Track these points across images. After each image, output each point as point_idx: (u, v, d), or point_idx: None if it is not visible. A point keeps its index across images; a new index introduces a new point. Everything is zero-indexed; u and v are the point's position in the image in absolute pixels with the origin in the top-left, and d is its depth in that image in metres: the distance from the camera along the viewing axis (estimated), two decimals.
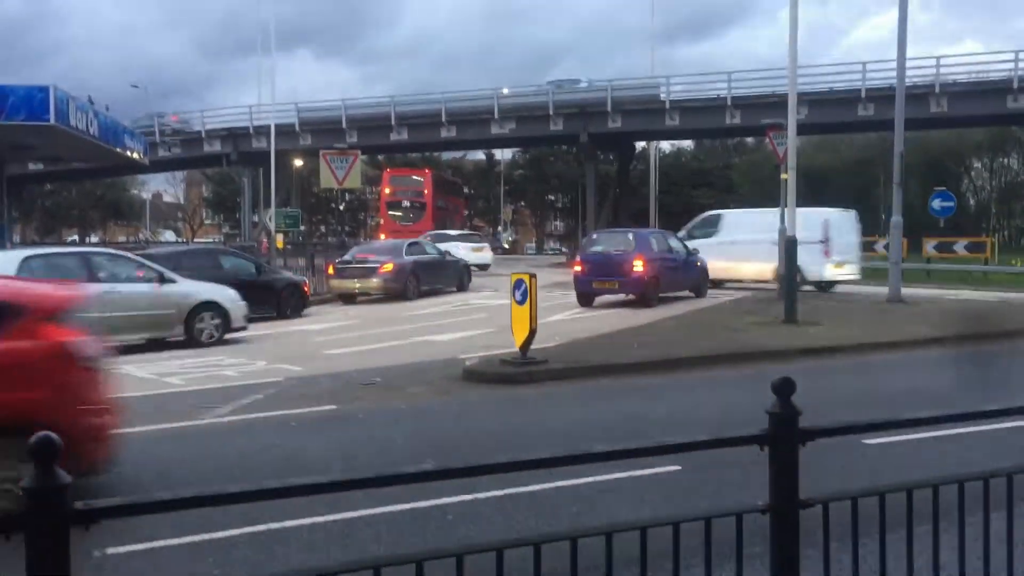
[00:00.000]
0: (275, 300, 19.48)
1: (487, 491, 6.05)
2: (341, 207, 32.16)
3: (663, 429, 8.19)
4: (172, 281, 15.12)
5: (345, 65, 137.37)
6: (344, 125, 49.40)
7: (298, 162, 54.01)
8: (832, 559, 3.15)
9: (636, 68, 71.42)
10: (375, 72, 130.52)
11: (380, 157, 72.60)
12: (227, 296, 15.67)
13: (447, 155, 75.34)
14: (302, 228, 47.59)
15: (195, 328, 15.05)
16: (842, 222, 24.94)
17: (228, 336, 15.43)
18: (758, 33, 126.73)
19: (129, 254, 16.68)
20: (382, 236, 40.06)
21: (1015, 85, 39.70)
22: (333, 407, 9.46)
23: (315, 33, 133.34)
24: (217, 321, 15.32)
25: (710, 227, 26.31)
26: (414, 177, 49.31)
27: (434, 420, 8.86)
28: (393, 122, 49.20)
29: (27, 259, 13.70)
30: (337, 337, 15.82)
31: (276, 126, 43.41)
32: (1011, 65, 40.39)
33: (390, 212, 45.90)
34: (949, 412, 3.84)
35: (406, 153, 68.47)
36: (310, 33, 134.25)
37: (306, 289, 20.88)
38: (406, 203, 44.75)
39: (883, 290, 21.08)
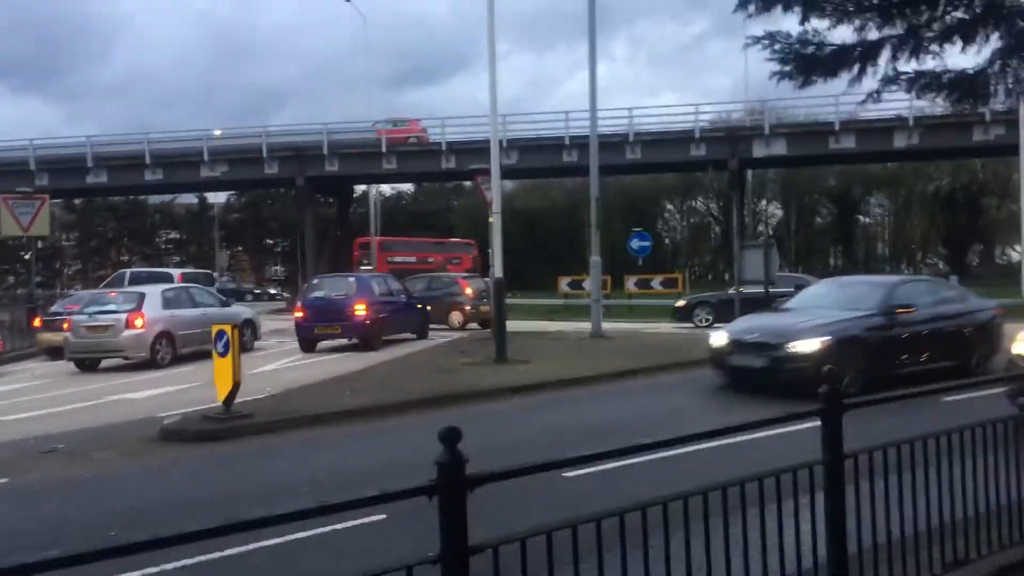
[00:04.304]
0: None
1: (179, 559, 5.63)
2: (27, 256, 29.26)
3: (372, 478, 8.07)
4: (228, 305, 21.87)
5: (47, 102, 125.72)
6: (33, 167, 45.34)
7: None
8: None
9: (361, 113, 71.36)
10: (82, 110, 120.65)
11: (77, 201, 67.30)
12: (254, 314, 22.37)
13: (155, 198, 71.16)
14: None
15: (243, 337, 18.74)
16: None
17: (256, 344, 21.89)
18: (481, 80, 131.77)
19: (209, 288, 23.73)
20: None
21: (696, 135, 44.16)
22: (3, 481, 8.46)
23: (10, 66, 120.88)
24: (249, 332, 21.37)
25: None
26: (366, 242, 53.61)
27: (121, 488, 8.15)
28: (90, 164, 45.81)
29: (164, 291, 20.12)
30: (18, 400, 14.27)
31: None
32: (693, 117, 45.00)
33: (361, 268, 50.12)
34: (622, 446, 4.05)
35: (107, 196, 63.94)
36: (4, 66, 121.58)
37: None
38: (365, 261, 48.27)
39: (588, 326, 22.38)
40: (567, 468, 7.60)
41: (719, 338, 13.21)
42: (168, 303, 19.41)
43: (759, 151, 44.32)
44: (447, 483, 3.06)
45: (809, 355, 11.67)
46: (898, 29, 7.55)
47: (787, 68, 8.02)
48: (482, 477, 3.16)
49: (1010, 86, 8.10)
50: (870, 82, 7.88)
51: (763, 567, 4.00)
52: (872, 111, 41.28)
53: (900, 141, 42.08)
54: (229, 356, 10.37)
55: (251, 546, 5.87)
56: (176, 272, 29.46)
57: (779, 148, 44.11)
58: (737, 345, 12.69)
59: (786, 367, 11.83)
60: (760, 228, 65.96)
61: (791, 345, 12.00)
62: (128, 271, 30.31)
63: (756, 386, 12.16)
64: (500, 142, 18.92)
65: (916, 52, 7.51)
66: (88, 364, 18.79)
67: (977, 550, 4.97)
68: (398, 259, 49.07)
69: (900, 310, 12.74)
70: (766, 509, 4.03)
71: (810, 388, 4.55)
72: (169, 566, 5.60)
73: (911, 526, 4.62)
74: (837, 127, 42.22)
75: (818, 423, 4.27)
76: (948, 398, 7.98)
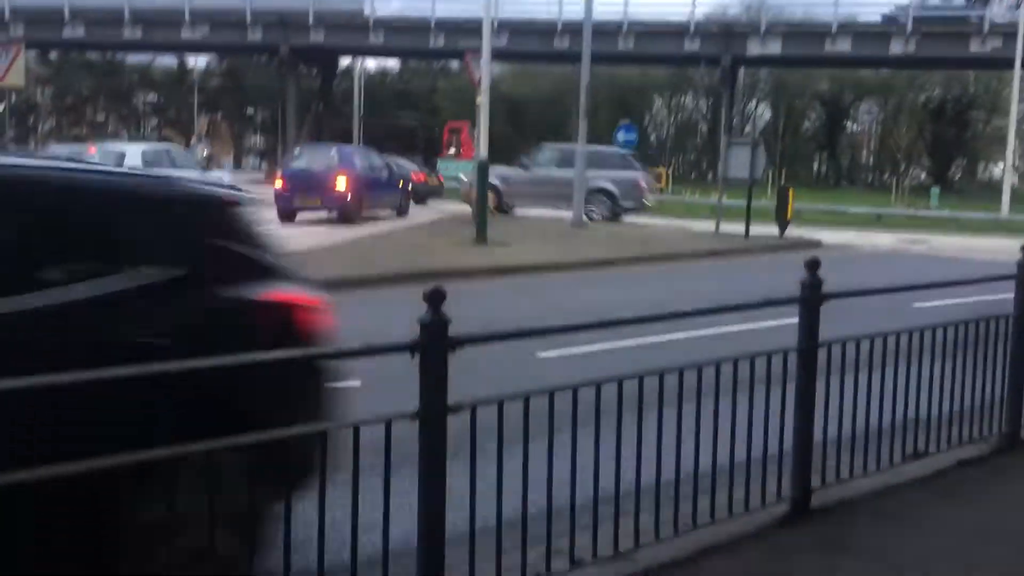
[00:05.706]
0: None
1: None
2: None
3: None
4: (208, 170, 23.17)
5: None
6: (8, 16, 43.76)
7: None
8: (479, 462, 3.24)
9: None
10: None
11: (53, 56, 65.32)
12: (232, 181, 25.13)
13: (134, 58, 69.10)
14: None
15: None
16: None
17: None
18: None
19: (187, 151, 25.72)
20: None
21: (691, 29, 43.28)
22: None
23: None
24: None
25: None
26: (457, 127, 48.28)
27: None
28: (67, 16, 44.29)
29: (144, 152, 20.78)
30: None
31: None
32: (689, 10, 44.00)
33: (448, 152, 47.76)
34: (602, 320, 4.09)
35: (84, 51, 62.11)
36: None
37: None
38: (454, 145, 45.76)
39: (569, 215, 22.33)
40: (543, 349, 7.78)
41: None
42: (148, 165, 19.19)
43: (754, 49, 43.56)
44: (430, 342, 3.08)
45: None
46: None
47: None
48: (464, 339, 3.18)
49: None
50: None
51: (730, 449, 4.11)
52: (870, 13, 40.70)
53: (896, 47, 41.41)
54: None
55: None
56: None
57: (774, 47, 43.36)
58: None
59: None
60: (747, 128, 65.34)
61: None
62: None
63: None
64: (492, 22, 18.44)
65: None
66: None
67: (936, 445, 5.13)
68: None
69: None
70: (741, 393, 4.10)
71: None
72: None
73: (876, 419, 4.74)
74: (834, 29, 41.48)
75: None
76: None
